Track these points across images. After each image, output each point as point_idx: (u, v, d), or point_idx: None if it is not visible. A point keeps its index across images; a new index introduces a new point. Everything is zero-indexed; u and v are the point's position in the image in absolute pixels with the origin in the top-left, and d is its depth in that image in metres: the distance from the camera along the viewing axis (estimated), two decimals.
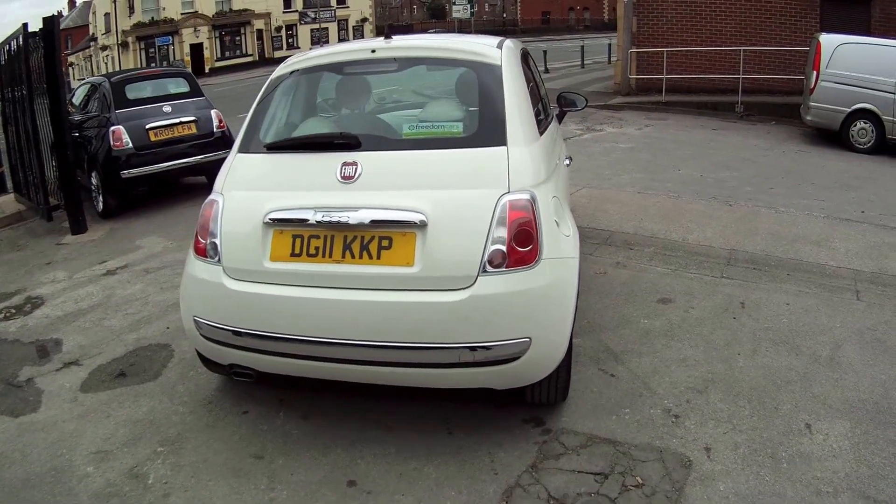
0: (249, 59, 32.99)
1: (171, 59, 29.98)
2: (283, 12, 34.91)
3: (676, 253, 4.02)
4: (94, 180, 5.43)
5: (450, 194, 2.01)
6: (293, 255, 2.05)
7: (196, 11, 31.80)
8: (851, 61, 7.30)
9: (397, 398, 2.39)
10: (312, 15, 34.33)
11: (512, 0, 51.63)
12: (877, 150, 7.27)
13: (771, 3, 10.43)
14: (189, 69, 11.03)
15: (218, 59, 32.04)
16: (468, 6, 28.50)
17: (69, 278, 4.05)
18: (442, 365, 1.97)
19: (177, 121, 5.49)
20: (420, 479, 2.02)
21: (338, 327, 1.99)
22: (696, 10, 10.99)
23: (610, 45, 18.28)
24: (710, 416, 2.27)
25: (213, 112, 5.78)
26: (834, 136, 7.68)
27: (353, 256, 2.00)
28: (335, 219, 1.99)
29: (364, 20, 39.25)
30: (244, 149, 2.37)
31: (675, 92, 10.87)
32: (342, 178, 2.09)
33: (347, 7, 37.79)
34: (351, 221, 1.99)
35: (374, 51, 2.44)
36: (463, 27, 34.77)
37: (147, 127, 5.35)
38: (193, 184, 6.31)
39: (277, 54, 34.08)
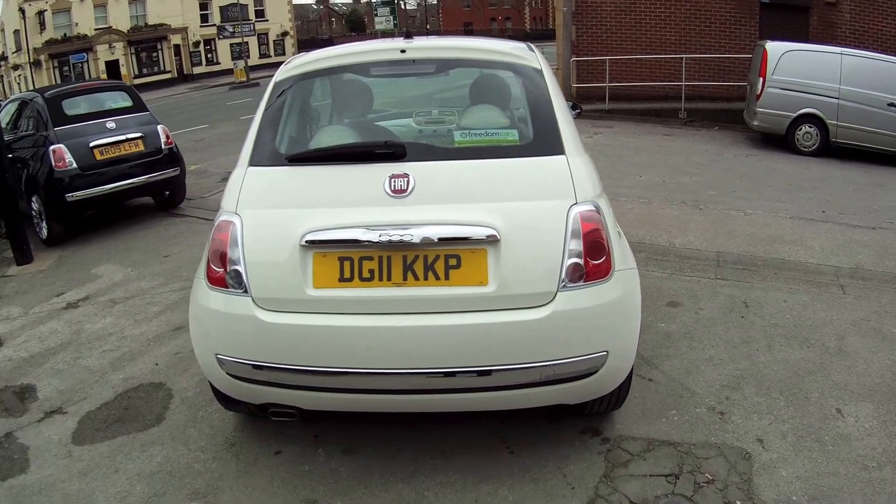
0: (168, 75, 32.98)
1: (87, 77, 29.07)
2: (201, 27, 35.10)
3: (668, 257, 4.41)
4: (35, 205, 5.15)
5: (517, 206, 2.00)
6: (343, 280, 1.97)
7: (110, 27, 31.31)
8: (796, 68, 8.26)
9: (442, 422, 2.47)
10: (231, 29, 34.47)
11: (433, 11, 53.43)
12: (821, 152, 8.28)
13: (711, 12, 11.45)
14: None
15: (136, 77, 31.35)
16: (391, 18, 29.50)
17: (25, 314, 3.79)
18: (520, 386, 1.99)
19: (123, 137, 5.30)
20: (498, 502, 2.12)
21: (405, 356, 1.95)
22: (637, 18, 11.77)
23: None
24: (752, 410, 2.57)
25: (159, 127, 5.65)
26: (779, 140, 8.62)
27: (416, 278, 1.95)
28: (396, 238, 1.91)
29: (285, 34, 39.83)
30: (257, 162, 2.22)
31: (619, 100, 11.56)
32: (393, 191, 2.01)
33: (267, 20, 38.25)
34: (414, 240, 1.91)
35: (403, 50, 2.33)
36: (386, 38, 35.88)
37: (91, 145, 5.14)
38: (136, 205, 6.09)
39: (197, 70, 33.78)
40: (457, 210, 1.99)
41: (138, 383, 2.97)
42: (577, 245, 1.98)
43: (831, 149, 8.30)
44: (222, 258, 2.06)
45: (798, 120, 8.31)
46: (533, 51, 2.51)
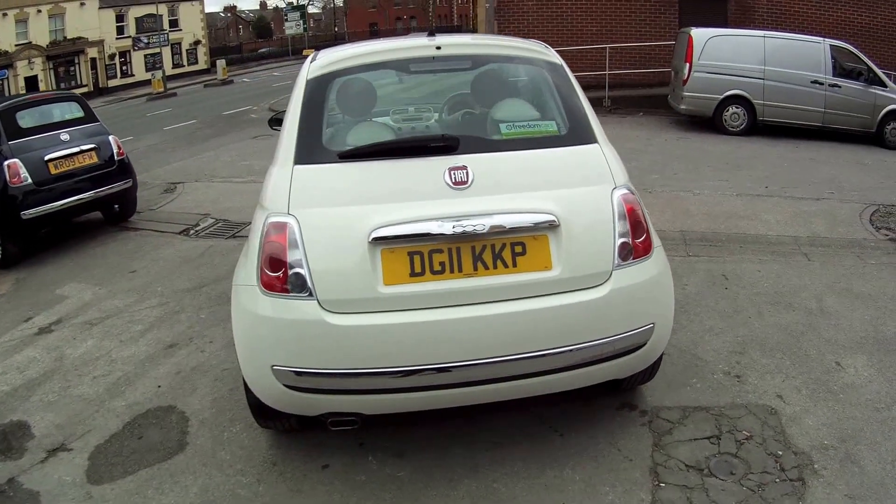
0: (85, 89, 31.74)
1: (7, 92, 27.25)
2: (117, 39, 34.41)
3: None
4: None
5: (569, 193, 2.13)
6: (414, 274, 1.98)
7: (30, 42, 29.75)
8: (721, 52, 8.97)
9: (481, 415, 2.50)
10: (146, 40, 34.32)
11: (338, 13, 53.81)
12: (749, 131, 9.07)
13: (632, 2, 12.13)
14: None
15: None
16: (301, 22, 29.71)
17: None
18: (583, 364, 2.12)
19: (77, 149, 5.01)
20: (568, 484, 2.22)
21: (480, 346, 1.98)
22: (558, 11, 12.26)
23: None
24: (764, 371, 2.86)
25: (111, 138, 5.39)
26: (707, 122, 9.35)
27: (486, 268, 2.01)
28: (470, 228, 1.96)
29: (197, 42, 39.39)
30: (303, 160, 2.17)
31: None
32: (454, 183, 2.07)
33: (180, 30, 37.82)
34: (484, 230, 1.97)
35: (439, 47, 2.40)
36: (295, 42, 36.12)
37: (46, 158, 4.80)
38: (84, 221, 5.69)
39: (112, 83, 32.95)
40: (516, 199, 2.09)
41: (145, 409, 2.80)
42: (623, 226, 2.15)
43: (758, 127, 9.11)
44: (277, 262, 2.01)
45: (725, 101, 9.05)
46: (548, 48, 2.66)
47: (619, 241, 2.14)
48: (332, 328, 1.96)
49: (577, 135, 2.33)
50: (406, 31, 51.89)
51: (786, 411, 2.56)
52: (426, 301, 1.99)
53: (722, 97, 9.01)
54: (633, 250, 2.17)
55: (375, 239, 1.98)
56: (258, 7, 60.31)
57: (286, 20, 35.32)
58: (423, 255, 2.00)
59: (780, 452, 2.32)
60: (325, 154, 2.21)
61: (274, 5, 54.90)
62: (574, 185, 2.19)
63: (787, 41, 9.03)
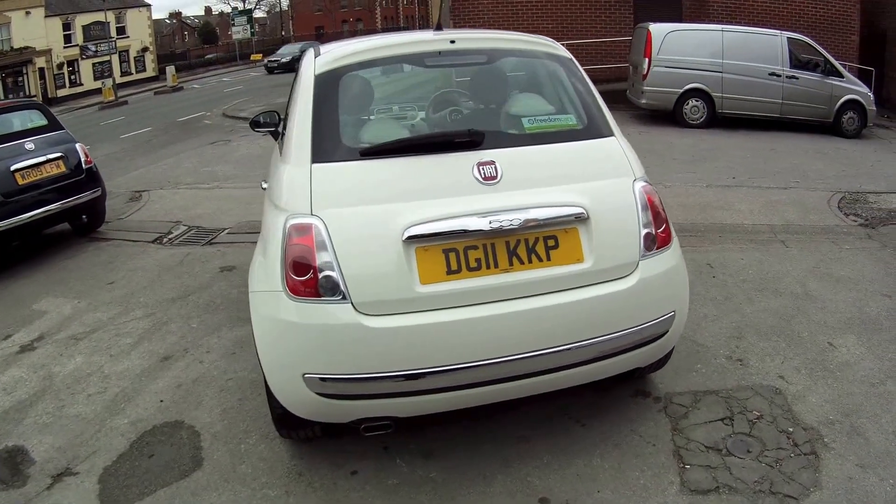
0: (35, 100, 30.69)
1: None
2: (65, 48, 33.49)
3: None
4: None
5: (595, 185, 2.18)
6: (450, 272, 1.98)
7: None
8: (680, 46, 9.32)
9: (501, 410, 2.55)
10: (94, 48, 33.60)
11: (284, 17, 53.80)
12: (708, 124, 9.47)
13: None
14: None
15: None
16: (248, 26, 29.94)
17: None
18: (613, 354, 2.18)
19: (44, 158, 4.80)
20: (598, 472, 2.30)
21: (515, 342, 2.00)
22: (514, 9, 12.47)
23: None
24: (763, 354, 3.03)
25: (77, 146, 5.18)
26: (667, 116, 9.70)
27: (521, 262, 2.03)
28: (507, 224, 1.97)
29: (145, 49, 38.89)
30: (322, 158, 2.11)
31: None
32: (484, 178, 2.08)
33: (128, 37, 37.29)
34: (520, 224, 1.99)
35: (453, 41, 2.39)
36: (242, 47, 36.36)
37: (13, 169, 4.58)
38: (51, 233, 5.42)
39: (61, 93, 32.21)
40: (545, 193, 2.12)
41: (150, 425, 2.71)
42: (646, 217, 2.24)
43: (717, 120, 9.52)
44: (304, 266, 1.95)
45: (685, 95, 9.42)
46: (556, 42, 2.68)
47: (644, 231, 2.22)
48: (369, 331, 1.93)
49: (595, 128, 2.39)
50: (353, 34, 52.52)
51: (789, 391, 2.73)
52: (464, 298, 1.99)
53: (682, 91, 9.38)
54: (656, 240, 2.26)
55: (410, 237, 1.97)
56: (203, 13, 60.05)
57: (233, 25, 35.42)
58: (459, 252, 2.00)
59: (791, 429, 2.47)
60: (345, 151, 2.16)
61: (219, 10, 54.46)
62: (597, 178, 2.24)
63: (745, 34, 9.46)
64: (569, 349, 2.08)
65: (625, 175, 2.29)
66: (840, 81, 9.37)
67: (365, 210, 2.03)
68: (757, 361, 2.97)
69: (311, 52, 2.55)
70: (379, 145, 2.16)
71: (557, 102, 2.48)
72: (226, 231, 5.29)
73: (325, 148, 2.14)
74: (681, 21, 10.97)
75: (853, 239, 4.56)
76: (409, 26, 58.86)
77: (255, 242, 5.12)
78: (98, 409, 2.84)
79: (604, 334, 2.13)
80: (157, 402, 2.88)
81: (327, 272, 1.95)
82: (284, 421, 2.30)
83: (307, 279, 1.95)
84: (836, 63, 9.49)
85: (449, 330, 1.97)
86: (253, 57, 37.71)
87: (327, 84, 2.28)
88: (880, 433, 2.43)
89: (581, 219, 2.11)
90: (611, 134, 2.40)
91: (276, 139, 4.04)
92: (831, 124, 9.41)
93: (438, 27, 2.59)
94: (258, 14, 47.19)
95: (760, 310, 3.49)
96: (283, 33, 50.81)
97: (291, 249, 1.98)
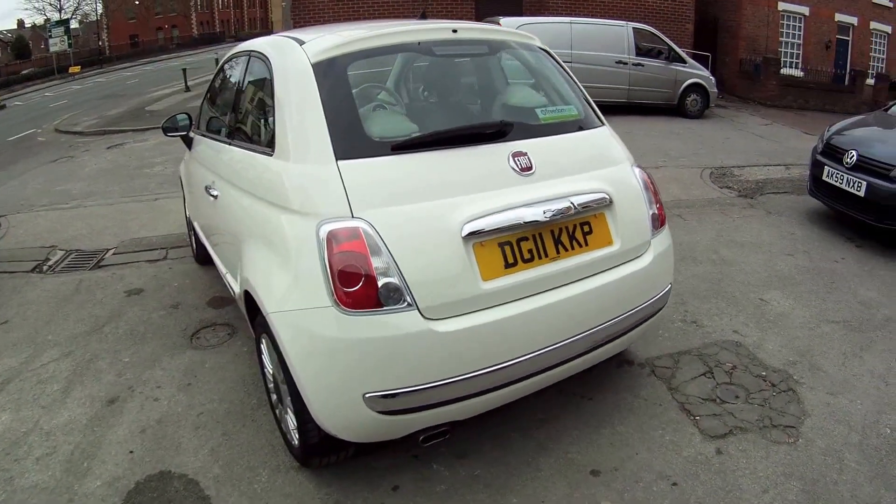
0: None
1: None
2: None
3: None
4: None
5: (607, 172, 2.33)
6: (508, 266, 1.99)
7: None
8: None
9: (508, 405, 2.52)
10: None
11: (99, 27, 49.75)
12: None
13: None
14: None
15: None
16: (65, 38, 27.68)
17: None
18: (632, 327, 2.36)
19: None
20: (626, 437, 2.50)
21: (568, 326, 2.08)
22: (354, 6, 12.50)
23: (217, 58, 21.11)
24: (711, 314, 3.48)
25: None
26: None
27: (565, 249, 2.11)
28: (559, 214, 2.03)
29: None
30: (348, 154, 1.96)
31: None
32: (521, 170, 2.10)
33: None
34: (569, 213, 2.07)
35: (455, 30, 2.36)
36: (60, 60, 34.72)
37: None
38: None
39: None
40: (574, 181, 2.23)
41: (132, 483, 2.31)
42: (649, 198, 2.48)
43: None
44: (356, 274, 1.82)
45: None
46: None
47: (650, 212, 2.44)
48: (440, 337, 1.86)
49: (592, 118, 2.56)
50: (168, 41, 49.28)
51: (748, 342, 3.18)
52: (523, 291, 2.02)
53: None
54: (659, 219, 2.51)
55: (470, 234, 1.94)
56: (16, 27, 52.91)
57: (50, 37, 32.19)
58: (513, 244, 2.03)
59: (763, 373, 2.90)
60: (374, 146, 2.02)
61: (31, 23, 48.30)
62: (608, 165, 2.41)
63: (593, 26, 10.39)
64: (603, 327, 2.23)
65: (624, 161, 2.50)
66: (683, 67, 10.77)
67: (414, 208, 1.94)
68: (709, 321, 3.41)
69: (286, 42, 2.38)
70: (413, 139, 2.08)
71: (559, 94, 2.61)
72: (111, 252, 4.68)
73: (349, 143, 2.00)
74: (521, 15, 11.65)
75: (738, 209, 5.37)
76: (224, 31, 56.97)
77: (152, 261, 4.63)
78: (57, 475, 2.36)
79: (628, 310, 2.32)
80: (125, 453, 2.47)
81: (387, 279, 1.83)
82: (318, 449, 2.15)
83: (363, 289, 1.82)
84: (678, 50, 10.90)
85: (514, 324, 1.98)
86: (72, 69, 34.03)
87: (331, 73, 2.14)
88: (834, 366, 2.95)
89: (606, 204, 2.26)
90: (603, 123, 2.59)
91: (187, 144, 3.71)
92: (676, 106, 10.78)
93: (423, 15, 2.55)
94: (72, 25, 42.75)
95: (690, 277, 3.98)
96: (100, 43, 46.60)
97: (338, 258, 1.83)
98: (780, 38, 15.63)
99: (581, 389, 2.80)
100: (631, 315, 2.34)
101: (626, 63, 10.41)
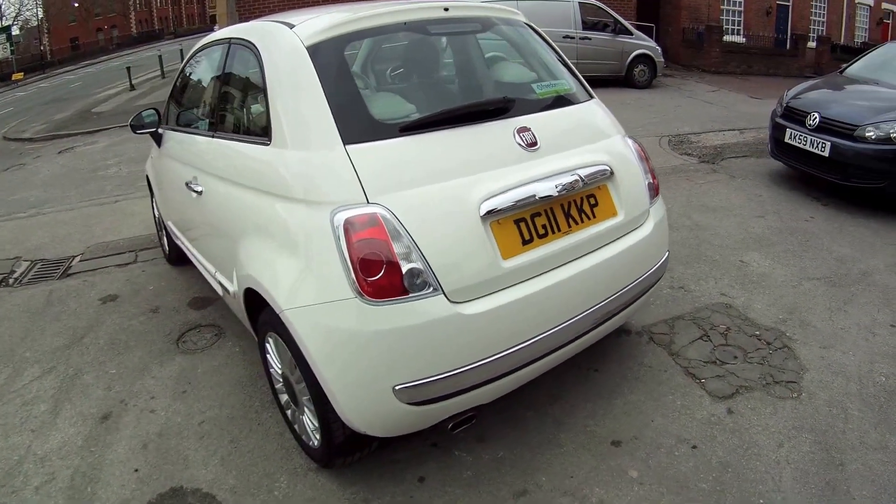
0: None
1: None
2: None
3: None
4: None
5: (604, 144, 2.31)
6: (525, 243, 1.95)
7: None
8: None
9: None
10: None
11: (40, 32, 47.65)
12: None
13: None
14: None
15: None
16: (7, 44, 27.64)
17: None
18: (639, 296, 2.36)
19: None
20: (639, 405, 2.50)
21: (585, 299, 2.06)
22: None
23: (161, 56, 20.50)
24: (697, 278, 3.52)
25: None
26: None
27: (576, 223, 2.09)
28: (569, 188, 2.01)
29: None
30: (354, 138, 1.85)
31: None
32: (527, 146, 2.06)
33: None
34: (576, 186, 2.04)
35: (447, 9, 2.29)
36: (3, 67, 34.38)
37: None
38: None
39: None
40: (576, 154, 2.19)
41: (145, 502, 2.18)
42: (644, 167, 2.46)
43: None
44: (378, 262, 1.72)
45: None
46: None
47: (646, 181, 2.43)
48: (467, 320, 1.80)
49: (583, 91, 2.52)
50: (109, 41, 47.44)
51: (737, 303, 3.23)
52: (541, 266, 1.99)
53: None
54: (655, 189, 2.50)
55: (488, 212, 1.88)
56: None
57: None
58: (528, 221, 1.99)
59: (757, 332, 2.95)
60: (381, 129, 1.92)
61: None
62: (604, 137, 2.37)
63: (539, 2, 10.31)
64: (614, 297, 2.21)
65: (617, 132, 2.47)
66: (630, 39, 10.88)
67: (429, 190, 1.85)
68: (696, 286, 3.45)
69: (273, 26, 2.23)
70: (421, 119, 1.99)
71: (549, 68, 2.55)
72: (77, 259, 4.38)
73: (356, 127, 1.89)
74: None
75: (702, 174, 5.46)
76: (163, 28, 55.44)
77: (122, 265, 4.34)
78: (60, 503, 2.22)
79: (635, 279, 2.31)
80: (130, 473, 2.30)
81: (411, 264, 1.74)
82: (343, 448, 2.05)
83: (387, 277, 1.72)
84: (624, 22, 11.00)
85: (535, 301, 1.95)
86: (15, 76, 32.45)
87: (328, 56, 2.01)
88: (821, 321, 3.02)
89: (608, 176, 2.23)
90: (592, 96, 2.54)
91: (157, 141, 3.49)
92: (624, 77, 10.92)
93: None
94: (14, 31, 40.45)
95: (670, 243, 3.99)
96: (41, 48, 44.73)
97: (357, 246, 1.72)
98: (722, 6, 15.97)
99: (586, 362, 2.78)
100: (638, 284, 2.33)
101: (573, 37, 10.43)
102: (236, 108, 2.54)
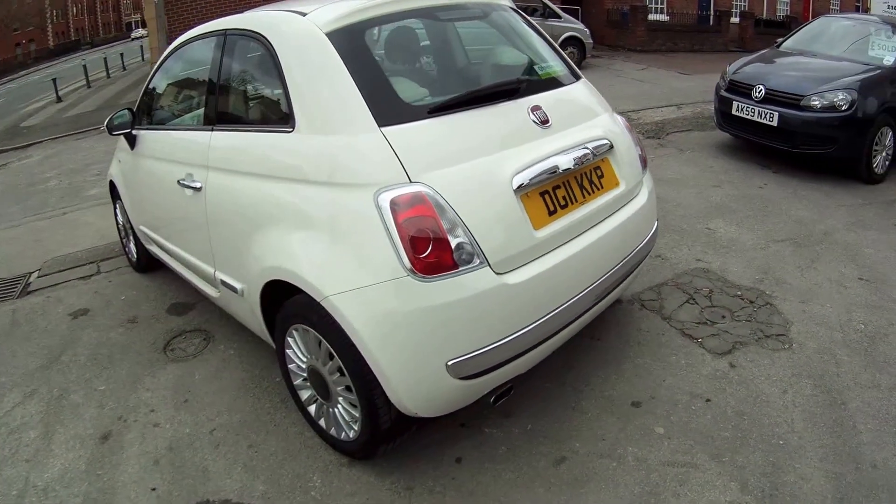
0: None
1: None
2: None
3: None
4: None
5: (599, 120, 2.40)
6: (551, 213, 2.02)
7: None
8: None
9: None
10: None
11: None
12: None
13: None
14: None
15: None
16: None
17: None
18: (639, 263, 2.46)
19: None
20: (647, 367, 2.58)
21: (599, 267, 2.15)
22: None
23: (85, 65, 19.88)
24: (672, 247, 3.65)
25: None
26: None
27: (588, 193, 2.19)
28: (582, 160, 2.10)
29: None
30: (388, 121, 1.85)
31: None
32: (540, 123, 2.12)
33: None
34: (587, 159, 2.14)
35: None
36: None
37: None
38: None
39: None
40: (581, 130, 2.27)
41: None
42: (634, 140, 2.57)
43: None
44: (426, 239, 1.73)
45: None
46: None
47: (637, 152, 2.53)
48: (511, 290, 1.84)
49: (573, 71, 2.59)
50: (27, 55, 44.60)
51: (714, 267, 3.37)
52: (566, 235, 2.05)
53: None
54: (643, 160, 2.60)
55: (520, 186, 1.93)
56: None
57: None
58: (550, 192, 2.06)
59: (739, 292, 3.09)
60: (410, 111, 1.93)
61: None
62: (598, 114, 2.46)
63: None
64: (622, 263, 2.31)
65: (606, 109, 2.56)
66: (558, 21, 11.06)
67: (465, 167, 1.88)
68: (671, 254, 3.58)
69: (285, 16, 2.15)
70: (449, 100, 1.99)
71: (543, 51, 2.60)
72: (35, 275, 4.02)
73: (388, 110, 1.89)
74: None
75: (651, 149, 5.65)
76: (80, 38, 53.45)
77: (85, 277, 4.07)
78: None
79: (637, 246, 2.42)
80: (148, 493, 2.13)
81: (459, 239, 1.76)
82: (388, 435, 2.01)
83: (437, 253, 1.73)
84: (553, 6, 11.19)
85: (564, 267, 2.01)
86: None
87: (349, 42, 2.00)
88: (795, 278, 3.21)
89: (609, 148, 2.32)
90: (581, 76, 2.62)
91: (130, 142, 3.25)
92: None
93: None
94: None
95: None
96: None
97: (407, 225, 1.72)
98: None
99: (588, 333, 2.83)
100: (640, 249, 2.45)
101: None
102: (242, 99, 2.43)
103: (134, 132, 3.18)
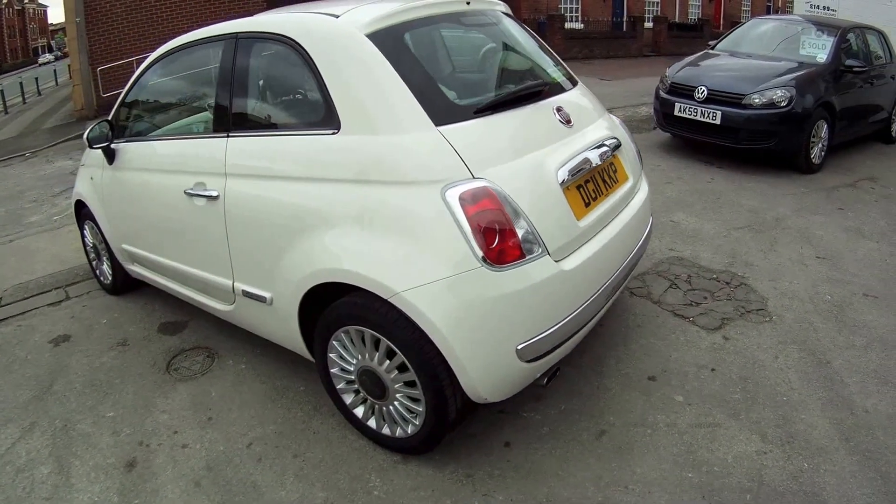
0: None
1: None
2: None
3: None
4: None
5: (603, 120, 2.57)
6: (587, 204, 2.19)
7: None
8: None
9: None
10: None
11: None
12: None
13: None
14: None
15: None
16: None
17: None
18: (644, 250, 2.67)
19: None
20: (652, 347, 2.77)
21: (624, 252, 2.33)
22: (149, 14, 11.73)
23: (2, 90, 19.09)
24: (659, 236, 3.89)
25: None
26: None
27: (609, 186, 2.38)
28: (605, 156, 2.29)
29: None
30: (443, 120, 1.93)
31: None
32: (565, 122, 2.26)
33: None
34: (609, 155, 2.34)
35: (468, 2, 2.46)
36: None
37: None
38: None
39: None
40: (595, 129, 2.44)
41: None
42: (632, 138, 2.79)
43: None
44: (499, 229, 1.82)
45: None
46: None
47: (636, 149, 2.77)
48: (567, 275, 1.98)
49: (571, 77, 2.73)
50: None
51: (686, 255, 3.67)
52: (599, 224, 2.23)
53: None
54: (640, 156, 2.82)
55: (563, 180, 2.08)
56: None
57: None
58: (583, 186, 2.23)
59: (715, 276, 3.39)
60: (458, 111, 2.02)
61: None
62: (601, 114, 2.64)
63: None
64: (637, 250, 2.51)
65: (604, 110, 2.75)
66: None
67: (517, 163, 2.00)
68: (658, 242, 3.84)
69: (319, 18, 2.14)
70: (493, 101, 2.11)
71: (547, 56, 2.73)
72: None
73: (438, 110, 1.96)
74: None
75: None
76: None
77: (54, 303, 3.82)
78: None
79: (644, 234, 2.64)
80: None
81: (524, 230, 1.88)
82: (454, 423, 2.05)
83: (506, 243, 1.83)
84: None
85: (602, 253, 2.18)
86: None
87: (392, 43, 2.06)
88: (760, 260, 3.55)
89: (618, 146, 2.51)
90: (577, 82, 2.77)
91: (109, 158, 3.07)
92: None
93: None
94: None
95: None
96: None
97: (477, 217, 1.80)
98: None
99: None
100: (646, 238, 2.67)
101: None
102: (266, 103, 2.39)
103: (113, 146, 3.02)
